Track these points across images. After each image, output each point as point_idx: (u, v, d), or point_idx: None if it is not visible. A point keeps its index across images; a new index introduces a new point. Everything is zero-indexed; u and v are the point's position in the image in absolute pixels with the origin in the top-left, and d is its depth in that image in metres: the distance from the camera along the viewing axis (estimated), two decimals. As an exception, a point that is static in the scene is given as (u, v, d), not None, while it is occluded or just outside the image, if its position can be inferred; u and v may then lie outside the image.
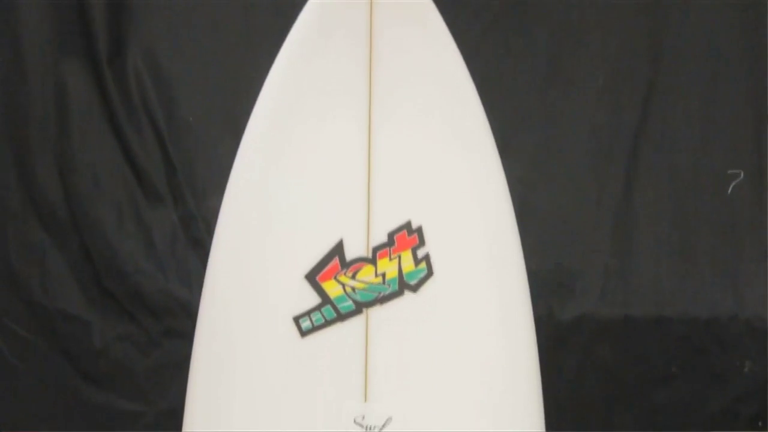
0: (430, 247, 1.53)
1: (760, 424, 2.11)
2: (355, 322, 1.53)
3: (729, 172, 2.16)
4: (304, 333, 1.52)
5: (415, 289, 1.53)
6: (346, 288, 1.53)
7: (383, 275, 1.54)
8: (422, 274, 1.53)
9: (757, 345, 2.11)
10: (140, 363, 2.11)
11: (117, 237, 2.12)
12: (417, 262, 1.54)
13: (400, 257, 1.54)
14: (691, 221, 2.14)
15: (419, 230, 1.53)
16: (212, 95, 2.16)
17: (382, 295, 1.53)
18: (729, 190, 2.16)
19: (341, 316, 1.53)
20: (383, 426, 1.50)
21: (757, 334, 2.11)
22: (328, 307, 1.53)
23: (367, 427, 1.50)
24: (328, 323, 1.53)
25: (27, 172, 2.14)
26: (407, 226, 1.53)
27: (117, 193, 2.14)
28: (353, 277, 1.54)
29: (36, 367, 2.13)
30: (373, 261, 1.54)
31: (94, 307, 2.12)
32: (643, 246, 2.13)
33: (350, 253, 1.54)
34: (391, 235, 1.53)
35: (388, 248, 1.54)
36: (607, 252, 2.13)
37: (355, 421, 1.50)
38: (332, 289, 1.53)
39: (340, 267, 1.53)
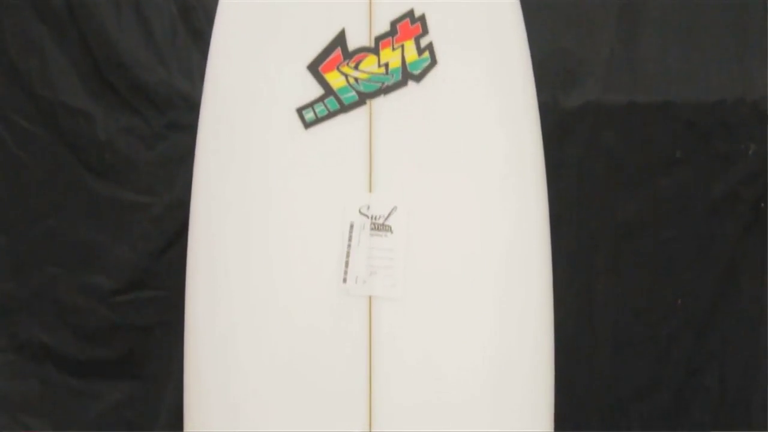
0: (434, 35, 1.50)
1: (762, 205, 2.13)
2: (359, 113, 1.52)
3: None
4: (307, 125, 1.52)
5: (418, 78, 1.51)
6: (348, 79, 1.52)
7: (386, 65, 1.52)
8: (426, 64, 1.51)
9: (762, 127, 2.10)
10: (145, 156, 2.11)
11: (115, 28, 2.08)
12: (420, 51, 1.51)
13: (403, 47, 1.51)
14: (699, 4, 2.10)
15: (422, 18, 1.50)
16: None
17: (385, 85, 1.52)
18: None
19: (344, 108, 1.52)
20: (388, 216, 1.51)
21: (763, 117, 2.10)
22: (331, 98, 1.52)
23: (372, 217, 1.51)
24: (331, 115, 1.52)
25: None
26: (410, 14, 1.50)
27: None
28: (356, 67, 1.52)
29: (41, 159, 2.13)
30: (375, 51, 1.51)
31: (97, 100, 2.11)
32: (649, 30, 2.09)
33: (352, 43, 1.51)
34: (393, 24, 1.50)
35: (390, 37, 1.51)
36: (612, 37, 2.09)
37: (360, 211, 1.51)
38: (335, 80, 1.52)
39: (342, 57, 1.51)
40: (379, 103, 1.51)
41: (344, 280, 1.51)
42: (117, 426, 2.14)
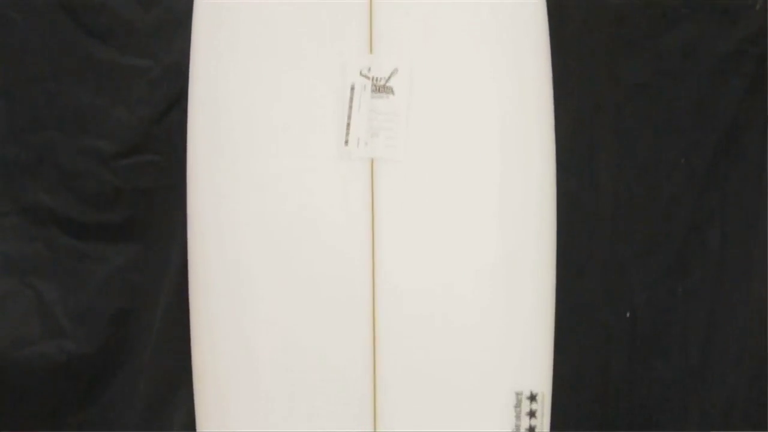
0: None
1: (768, 62, 2.11)
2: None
3: None
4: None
5: None
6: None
7: None
8: None
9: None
10: (142, 18, 2.08)
11: None
12: None
13: None
14: None
15: None
16: None
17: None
18: None
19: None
20: (389, 78, 1.50)
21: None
22: (330, -45, 1.50)
23: (372, 79, 1.50)
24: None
25: None
26: None
27: None
28: None
29: (37, 21, 2.10)
30: None
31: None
32: None
33: None
34: None
35: None
36: None
37: (360, 73, 1.50)
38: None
39: None
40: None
41: (346, 143, 1.50)
42: (124, 289, 2.16)
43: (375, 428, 1.50)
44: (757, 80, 2.11)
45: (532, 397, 1.52)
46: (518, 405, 1.51)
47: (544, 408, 1.54)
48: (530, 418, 1.52)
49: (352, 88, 1.50)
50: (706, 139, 2.14)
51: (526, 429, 1.51)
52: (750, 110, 2.13)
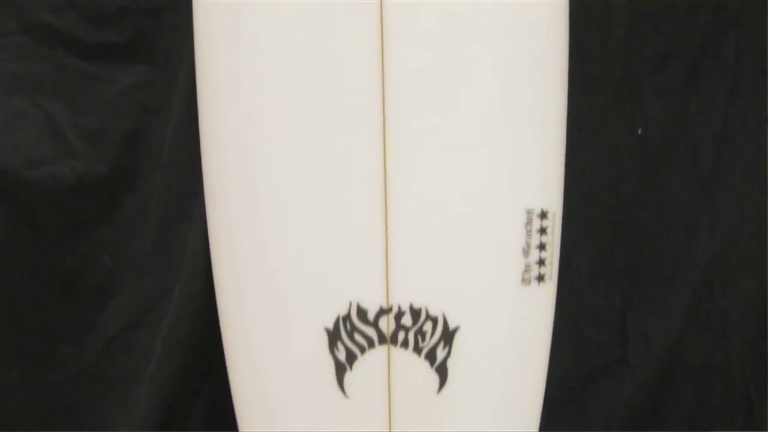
0: None
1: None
2: None
3: None
4: None
5: None
6: None
7: None
8: None
9: None
10: None
11: None
12: None
13: None
14: None
15: None
16: None
17: None
18: None
19: None
20: None
21: None
22: None
23: None
24: None
25: None
26: None
27: None
28: None
29: None
30: None
31: None
32: None
33: None
34: None
35: None
36: None
37: None
38: None
39: None
40: None
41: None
42: (133, 109, 2.17)
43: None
44: None
45: (543, 215, 1.53)
46: (529, 222, 1.52)
47: (554, 225, 1.56)
48: (541, 235, 1.53)
49: None
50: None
51: (537, 246, 1.52)
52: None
